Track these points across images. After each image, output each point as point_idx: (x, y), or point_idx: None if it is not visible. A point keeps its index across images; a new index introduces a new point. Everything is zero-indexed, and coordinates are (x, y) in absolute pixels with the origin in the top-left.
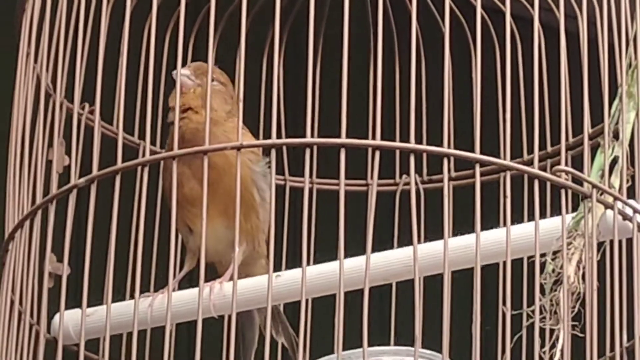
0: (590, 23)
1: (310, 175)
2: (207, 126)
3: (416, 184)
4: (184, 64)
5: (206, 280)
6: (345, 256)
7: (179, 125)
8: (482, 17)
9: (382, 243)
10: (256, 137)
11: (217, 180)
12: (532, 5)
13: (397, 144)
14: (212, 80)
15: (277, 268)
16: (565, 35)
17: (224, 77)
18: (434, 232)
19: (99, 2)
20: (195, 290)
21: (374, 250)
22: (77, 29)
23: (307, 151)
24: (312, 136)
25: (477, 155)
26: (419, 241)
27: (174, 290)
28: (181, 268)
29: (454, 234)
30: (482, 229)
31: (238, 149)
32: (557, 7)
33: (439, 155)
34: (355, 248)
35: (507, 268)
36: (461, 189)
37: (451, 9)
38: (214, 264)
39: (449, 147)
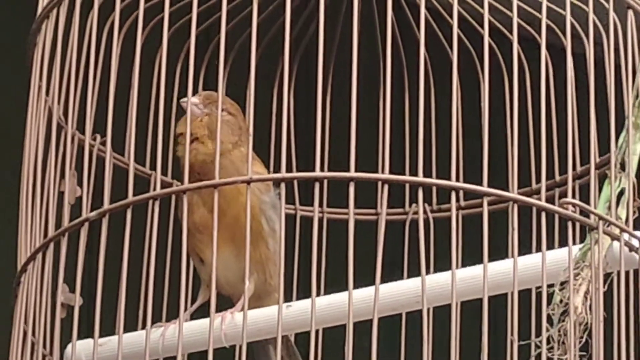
0: (597, 44)
1: (321, 205)
2: (217, 159)
3: (425, 213)
4: (194, 95)
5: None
6: (356, 286)
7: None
8: (490, 44)
9: (392, 272)
10: (267, 166)
11: (225, 207)
12: (539, 32)
13: (406, 177)
14: (222, 110)
15: (288, 298)
16: (573, 57)
17: (234, 108)
18: (443, 260)
19: (110, 34)
20: (206, 320)
21: (384, 279)
22: (88, 61)
23: (317, 185)
24: (322, 170)
25: (484, 188)
26: (428, 270)
27: (186, 320)
28: (194, 300)
29: (464, 263)
30: (493, 258)
31: (248, 182)
32: (564, 34)
33: (447, 188)
34: (366, 277)
35: (514, 299)
36: (470, 218)
37: (460, 39)
38: (229, 296)
39: (457, 180)
